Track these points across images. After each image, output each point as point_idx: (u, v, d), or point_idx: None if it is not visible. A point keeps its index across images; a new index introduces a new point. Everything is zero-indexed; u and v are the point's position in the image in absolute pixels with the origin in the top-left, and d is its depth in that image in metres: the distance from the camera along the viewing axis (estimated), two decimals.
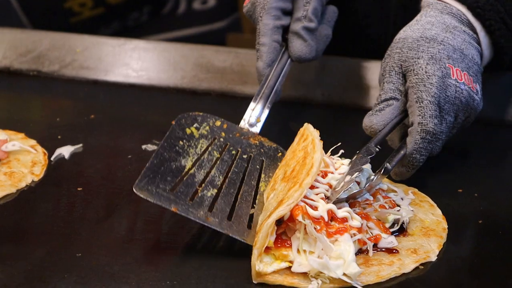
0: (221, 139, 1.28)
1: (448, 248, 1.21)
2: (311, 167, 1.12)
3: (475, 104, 1.35)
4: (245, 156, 1.28)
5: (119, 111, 1.64)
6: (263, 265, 1.09)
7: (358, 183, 1.26)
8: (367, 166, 1.28)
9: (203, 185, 1.18)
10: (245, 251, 1.15)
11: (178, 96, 1.70)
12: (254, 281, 1.11)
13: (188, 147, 1.22)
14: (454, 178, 1.40)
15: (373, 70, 1.69)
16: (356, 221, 1.15)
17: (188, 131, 1.25)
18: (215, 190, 1.18)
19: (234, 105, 1.58)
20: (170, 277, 1.12)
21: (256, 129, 1.35)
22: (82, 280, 1.11)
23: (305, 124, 1.27)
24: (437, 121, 1.34)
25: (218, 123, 1.30)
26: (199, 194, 1.16)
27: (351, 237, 1.12)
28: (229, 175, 1.22)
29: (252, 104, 1.37)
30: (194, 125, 1.27)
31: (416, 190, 1.37)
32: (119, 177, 1.38)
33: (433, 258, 1.18)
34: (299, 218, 1.10)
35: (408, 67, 1.38)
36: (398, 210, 1.24)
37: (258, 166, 1.27)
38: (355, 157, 1.30)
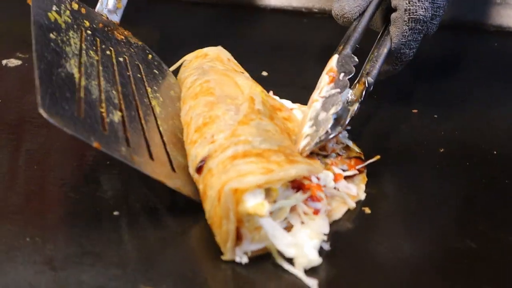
0: (88, 31, 1.12)
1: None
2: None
3: None
4: (121, 59, 1.12)
5: None
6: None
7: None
8: (346, 94, 1.02)
9: (103, 105, 0.99)
10: None
11: None
12: None
13: (63, 44, 1.03)
14: (409, 96, 1.21)
15: None
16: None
17: (51, 16, 1.06)
18: (119, 113, 1.00)
19: None
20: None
21: (116, 17, 1.21)
22: None
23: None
24: (427, 4, 1.09)
25: (75, 5, 1.14)
26: (107, 120, 0.97)
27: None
28: (120, 88, 1.05)
29: None
30: (54, 8, 1.08)
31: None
32: None
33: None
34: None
35: None
36: None
37: (139, 75, 1.12)
38: (323, 76, 1.02)
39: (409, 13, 1.08)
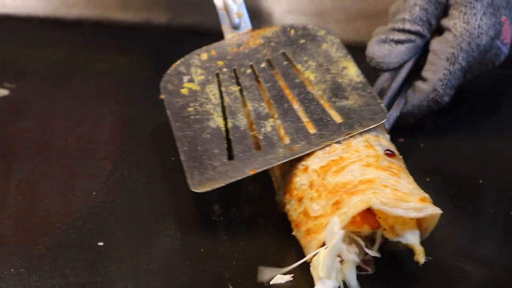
0: (224, 69, 1.08)
1: None
2: None
3: (497, 63, 1.18)
4: (263, 65, 1.08)
5: None
6: None
7: None
8: None
9: (253, 126, 1.00)
10: None
11: (43, 28, 1.47)
12: None
13: (201, 107, 1.04)
14: (395, 126, 1.18)
15: None
16: None
17: (184, 91, 1.06)
18: (270, 120, 1.01)
19: (114, 36, 1.40)
20: None
21: (246, 25, 1.14)
22: None
23: None
24: (450, 85, 1.14)
25: (204, 56, 1.10)
26: (260, 137, 0.98)
27: None
28: (268, 95, 1.03)
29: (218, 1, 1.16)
30: (185, 80, 1.07)
31: None
32: None
33: None
34: None
35: (459, 2, 1.12)
36: None
37: (285, 62, 1.08)
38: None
39: (434, 89, 1.13)
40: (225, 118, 1.02)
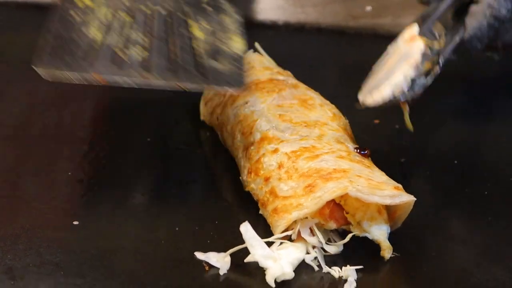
0: (126, 3, 1.07)
1: None
2: None
3: None
4: (161, 11, 1.07)
5: None
6: None
7: None
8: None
9: (121, 46, 1.00)
10: None
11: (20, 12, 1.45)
12: None
13: (86, 16, 1.03)
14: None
15: None
16: None
17: (80, 4, 1.05)
18: (141, 48, 1.00)
19: None
20: None
21: None
22: None
23: None
24: (510, 5, 1.11)
25: None
26: (120, 54, 0.98)
27: None
28: (151, 31, 1.03)
29: None
30: None
31: None
32: None
33: None
34: None
35: None
36: None
37: (183, 17, 1.07)
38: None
39: (492, 9, 1.10)
40: (102, 32, 1.02)
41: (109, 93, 1.25)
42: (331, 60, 1.44)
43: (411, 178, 1.09)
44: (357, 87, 1.30)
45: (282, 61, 1.19)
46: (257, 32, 1.43)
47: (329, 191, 0.88)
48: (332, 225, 0.91)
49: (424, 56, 1.06)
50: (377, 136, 1.17)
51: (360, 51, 1.48)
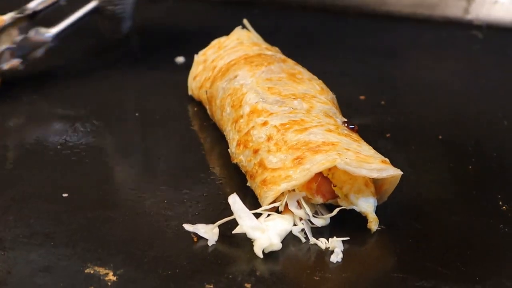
0: None
1: None
2: None
3: None
4: None
5: None
6: None
7: None
8: None
9: None
10: None
11: None
12: None
13: None
14: (357, 83, 1.22)
15: None
16: None
17: None
18: None
19: None
20: None
21: None
22: None
23: None
24: None
25: None
26: None
27: None
28: None
29: None
30: None
31: None
32: None
33: None
34: None
35: None
36: None
37: None
38: None
39: None
40: None
41: (102, 68, 1.26)
42: (316, 37, 1.45)
43: (396, 153, 1.10)
44: (343, 64, 1.32)
45: (268, 38, 1.20)
46: (244, 9, 1.43)
47: (317, 163, 0.89)
48: (319, 199, 0.92)
49: None
50: (363, 111, 1.18)
51: (344, 29, 1.49)
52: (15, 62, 1.16)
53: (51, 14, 1.21)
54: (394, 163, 0.94)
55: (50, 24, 1.20)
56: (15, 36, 1.16)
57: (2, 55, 1.14)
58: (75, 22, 1.21)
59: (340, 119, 0.99)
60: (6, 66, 1.15)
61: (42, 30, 1.18)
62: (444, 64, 1.37)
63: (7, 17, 1.15)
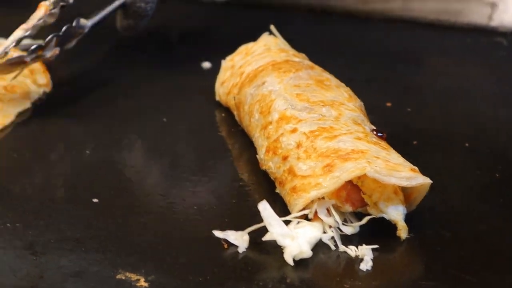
0: None
1: None
2: None
3: None
4: None
5: None
6: None
7: None
8: None
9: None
10: None
11: None
12: None
13: None
14: (383, 89, 1.21)
15: None
16: None
17: None
18: None
19: None
20: None
21: None
22: None
23: None
24: None
25: None
26: None
27: None
28: None
29: None
30: None
31: None
32: None
33: None
34: None
35: None
36: None
37: None
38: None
39: None
40: None
41: (127, 73, 1.27)
42: (340, 43, 1.45)
43: (423, 160, 1.10)
44: (368, 70, 1.32)
45: (295, 44, 1.20)
46: (270, 15, 1.43)
47: (347, 171, 0.89)
48: (348, 208, 0.92)
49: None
50: (389, 118, 1.18)
51: (369, 35, 1.49)
52: (56, 50, 1.15)
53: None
54: (422, 171, 0.94)
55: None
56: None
57: (50, 42, 1.13)
58: (107, 16, 1.21)
59: (368, 126, 0.99)
60: (49, 54, 1.14)
61: (83, 20, 1.17)
62: (469, 70, 1.37)
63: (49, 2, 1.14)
